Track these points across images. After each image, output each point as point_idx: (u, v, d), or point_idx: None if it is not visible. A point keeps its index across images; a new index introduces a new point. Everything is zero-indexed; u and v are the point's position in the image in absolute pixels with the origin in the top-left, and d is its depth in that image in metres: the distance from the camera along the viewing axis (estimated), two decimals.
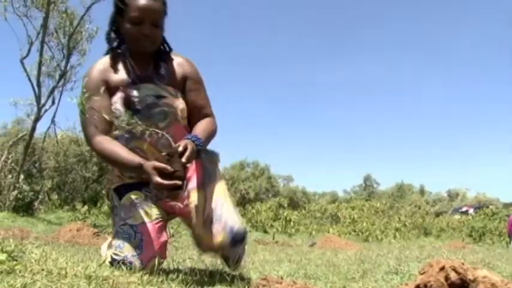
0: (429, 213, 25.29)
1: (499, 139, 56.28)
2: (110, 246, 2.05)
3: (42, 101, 10.42)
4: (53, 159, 18.19)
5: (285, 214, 17.17)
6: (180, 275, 1.87)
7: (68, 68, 10.91)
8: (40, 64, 10.09)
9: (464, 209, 28.12)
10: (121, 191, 2.08)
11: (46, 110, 10.67)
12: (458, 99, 67.57)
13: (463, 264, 1.46)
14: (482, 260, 4.33)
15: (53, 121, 11.39)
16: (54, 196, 16.98)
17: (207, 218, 1.96)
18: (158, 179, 1.71)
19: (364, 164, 64.63)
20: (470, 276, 1.42)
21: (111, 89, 1.99)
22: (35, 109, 10.34)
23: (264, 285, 1.90)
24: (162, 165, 1.73)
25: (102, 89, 1.97)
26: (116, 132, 2.00)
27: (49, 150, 17.75)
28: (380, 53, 70.52)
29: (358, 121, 68.99)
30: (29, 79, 10.21)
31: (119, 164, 1.93)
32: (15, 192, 9.28)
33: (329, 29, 75.89)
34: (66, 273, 1.50)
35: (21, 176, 9.80)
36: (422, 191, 42.41)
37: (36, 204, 10.05)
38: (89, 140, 1.96)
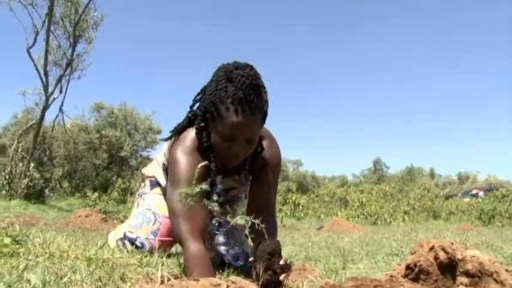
0: (439, 196, 25.21)
1: (511, 121, 55.62)
2: (119, 233, 2.14)
3: (50, 89, 10.49)
4: (63, 147, 18.41)
5: (294, 198, 17.25)
6: (180, 259, 1.93)
7: (74, 56, 10.94)
8: (46, 53, 10.14)
9: (474, 191, 27.94)
10: (155, 182, 2.18)
11: (54, 99, 10.74)
12: (468, 82, 66.81)
13: (452, 244, 1.49)
14: (486, 241, 4.35)
15: (60, 109, 11.46)
16: (66, 184, 17.25)
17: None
18: None
19: (374, 147, 64.51)
20: (459, 256, 1.45)
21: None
22: (43, 98, 10.45)
23: None
24: None
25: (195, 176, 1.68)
26: None
27: (59, 138, 17.95)
28: (388, 35, 69.74)
29: (368, 105, 68.60)
30: (36, 68, 10.28)
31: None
32: (26, 180, 9.42)
33: (336, 12, 75.05)
34: (68, 256, 1.56)
35: (32, 164, 9.94)
36: (432, 174, 42.22)
37: (47, 191, 10.20)
38: (182, 237, 1.60)
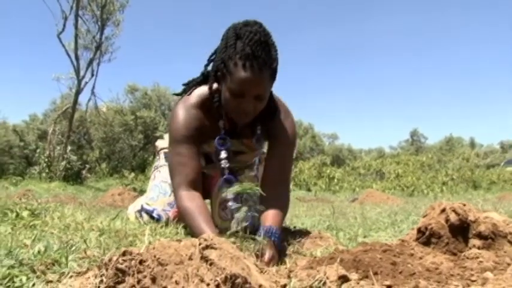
0: (479, 166, 24.52)
1: None
2: (137, 206, 2.19)
3: (81, 73, 10.74)
4: (100, 130, 18.92)
5: (328, 172, 17.17)
6: None
7: (103, 39, 11.11)
8: (76, 37, 10.36)
9: None
10: None
11: (86, 83, 11.02)
12: (504, 47, 63.93)
13: (464, 205, 1.44)
14: None
15: (92, 92, 11.72)
16: (104, 165, 17.79)
17: (222, 202, 2.06)
18: None
19: (412, 118, 63.11)
20: (471, 217, 1.40)
21: (199, 137, 1.81)
22: (76, 82, 10.70)
23: None
24: None
25: (193, 136, 1.76)
26: None
27: (96, 121, 18.44)
28: (426, 2, 67.29)
29: (404, 75, 66.90)
30: (67, 53, 10.52)
31: (191, 228, 1.63)
32: (64, 162, 9.76)
33: None
34: (83, 227, 1.61)
35: (69, 147, 10.28)
36: (472, 144, 41.05)
37: (84, 173, 10.56)
38: (174, 189, 1.74)
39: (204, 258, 0.70)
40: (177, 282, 0.74)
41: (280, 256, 1.56)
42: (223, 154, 1.83)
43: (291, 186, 15.07)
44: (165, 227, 1.83)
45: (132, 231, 1.63)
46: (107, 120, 17.60)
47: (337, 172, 17.85)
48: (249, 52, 1.57)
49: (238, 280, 0.66)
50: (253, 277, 0.68)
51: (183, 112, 1.78)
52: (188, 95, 1.83)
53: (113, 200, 4.89)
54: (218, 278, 0.66)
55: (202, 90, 1.82)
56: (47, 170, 9.63)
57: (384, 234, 2.47)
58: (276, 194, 1.76)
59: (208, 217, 1.61)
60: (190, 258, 0.75)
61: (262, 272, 0.77)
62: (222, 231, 2.01)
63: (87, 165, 11.60)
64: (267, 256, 1.45)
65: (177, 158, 1.73)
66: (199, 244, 0.74)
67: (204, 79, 1.85)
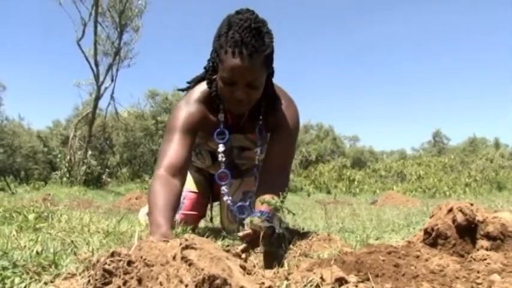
0: (504, 167, 23.95)
1: None
2: (147, 209, 2.21)
3: (101, 79, 10.90)
4: (121, 135, 19.17)
5: (348, 174, 17.04)
6: (200, 232, 1.96)
7: (121, 45, 11.26)
8: (95, 44, 10.52)
9: None
10: None
11: (106, 88, 11.19)
12: None
13: (471, 205, 1.40)
14: None
15: (112, 97, 11.89)
16: (125, 170, 18.00)
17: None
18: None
19: (434, 119, 62.12)
20: (479, 218, 1.36)
21: (200, 130, 1.82)
22: (96, 88, 10.87)
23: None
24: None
25: (190, 129, 1.74)
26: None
27: (117, 127, 18.69)
28: (448, 2, 66.32)
29: (425, 75, 65.93)
30: (87, 59, 10.70)
31: (149, 215, 1.53)
32: (84, 167, 9.91)
33: None
34: (89, 230, 1.62)
35: (89, 152, 10.43)
36: (497, 144, 40.11)
37: (104, 177, 10.68)
38: (156, 167, 1.68)
39: (184, 259, 0.69)
40: (161, 283, 0.73)
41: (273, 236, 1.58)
42: (221, 148, 1.83)
43: (311, 189, 15.04)
44: (171, 230, 1.83)
45: (138, 233, 1.63)
46: (128, 125, 17.81)
47: (358, 174, 17.71)
48: (238, 39, 1.56)
49: (218, 281, 0.65)
50: (235, 278, 0.67)
51: (184, 106, 1.78)
52: (190, 91, 1.84)
53: (130, 204, 4.94)
54: (196, 279, 0.65)
55: (204, 85, 1.82)
56: (67, 175, 9.81)
57: (397, 236, 2.42)
58: (274, 180, 1.73)
59: (171, 211, 1.52)
60: (174, 259, 0.74)
61: (249, 273, 0.75)
62: (229, 232, 2.02)
63: (108, 170, 11.76)
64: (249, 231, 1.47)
65: (166, 144, 1.70)
66: (180, 244, 0.73)
67: (205, 74, 1.85)
